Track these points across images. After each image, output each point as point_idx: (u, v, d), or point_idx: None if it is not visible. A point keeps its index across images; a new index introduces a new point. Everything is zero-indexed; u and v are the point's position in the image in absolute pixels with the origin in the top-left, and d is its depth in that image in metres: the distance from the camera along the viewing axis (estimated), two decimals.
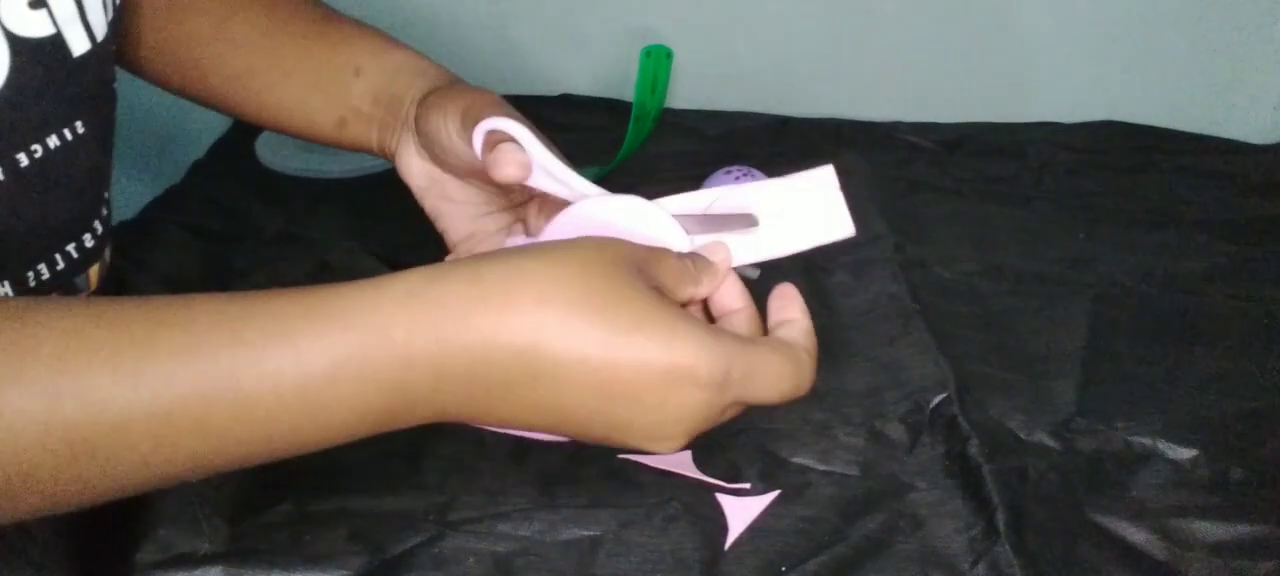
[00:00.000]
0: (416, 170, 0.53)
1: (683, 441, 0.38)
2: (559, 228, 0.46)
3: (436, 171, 0.53)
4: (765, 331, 0.42)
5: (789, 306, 0.42)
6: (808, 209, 0.47)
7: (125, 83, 0.51)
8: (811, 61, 0.92)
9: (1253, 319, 0.65)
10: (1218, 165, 0.86)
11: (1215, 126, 0.91)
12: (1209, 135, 0.91)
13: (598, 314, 0.35)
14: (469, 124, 0.48)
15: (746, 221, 0.46)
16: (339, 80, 0.54)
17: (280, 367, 0.33)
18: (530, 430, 0.38)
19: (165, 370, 0.32)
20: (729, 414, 0.39)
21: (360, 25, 0.56)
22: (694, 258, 0.42)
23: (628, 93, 0.81)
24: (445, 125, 0.49)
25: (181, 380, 0.32)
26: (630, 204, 0.44)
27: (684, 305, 0.42)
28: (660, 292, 0.38)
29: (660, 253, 0.40)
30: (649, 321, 0.35)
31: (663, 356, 0.35)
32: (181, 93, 0.57)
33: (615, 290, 0.35)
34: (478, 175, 0.51)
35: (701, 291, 0.42)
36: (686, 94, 0.90)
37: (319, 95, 0.54)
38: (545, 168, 0.45)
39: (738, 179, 0.70)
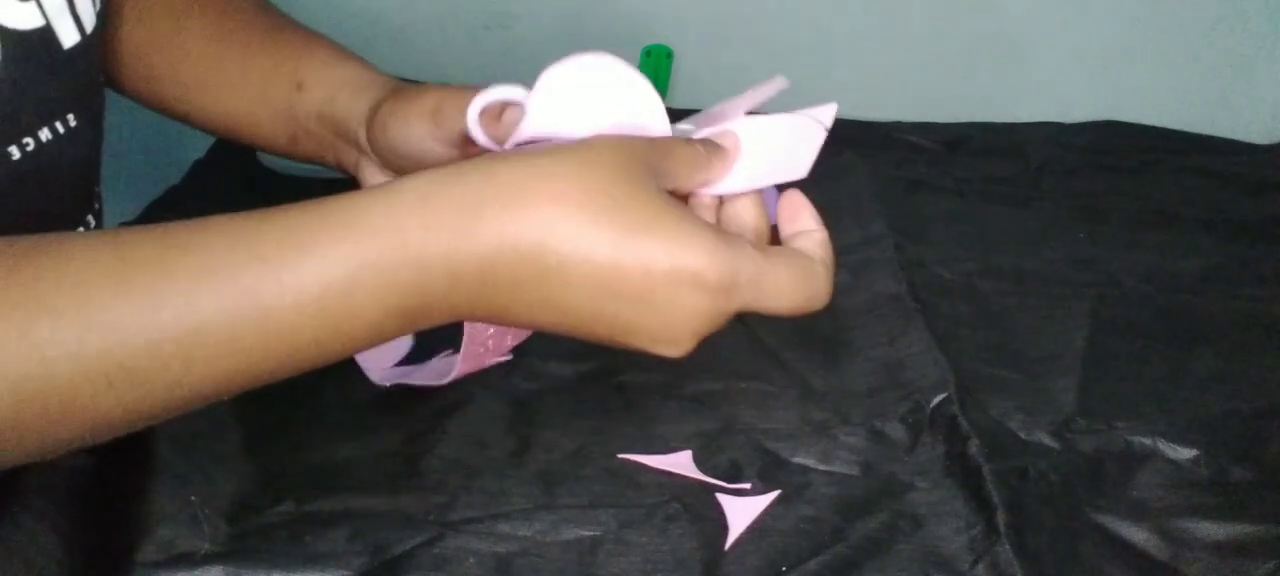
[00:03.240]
0: None
1: (689, 345, 0.37)
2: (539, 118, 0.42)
3: None
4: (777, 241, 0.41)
5: (800, 215, 0.41)
6: (787, 146, 0.44)
7: None
8: (811, 61, 0.92)
9: (1253, 319, 0.65)
10: (1218, 165, 0.86)
11: (1215, 126, 0.91)
12: (1209, 135, 0.91)
13: (606, 214, 0.34)
14: (444, 121, 0.47)
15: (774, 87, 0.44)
16: (283, 95, 0.52)
17: (299, 281, 0.33)
18: (539, 328, 0.38)
19: (187, 293, 0.32)
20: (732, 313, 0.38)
21: (309, 36, 0.54)
22: (704, 142, 0.40)
23: None
24: (411, 130, 0.48)
25: (204, 301, 0.32)
26: (603, 64, 0.41)
27: (694, 193, 0.41)
28: (672, 193, 0.37)
29: (670, 142, 0.39)
30: (658, 223, 0.35)
31: (670, 258, 0.35)
32: (140, 102, 0.55)
33: (625, 189, 0.35)
34: None
35: (713, 175, 0.40)
36: (686, 94, 0.90)
37: (265, 110, 0.53)
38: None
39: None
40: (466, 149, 0.48)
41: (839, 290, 0.65)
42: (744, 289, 0.36)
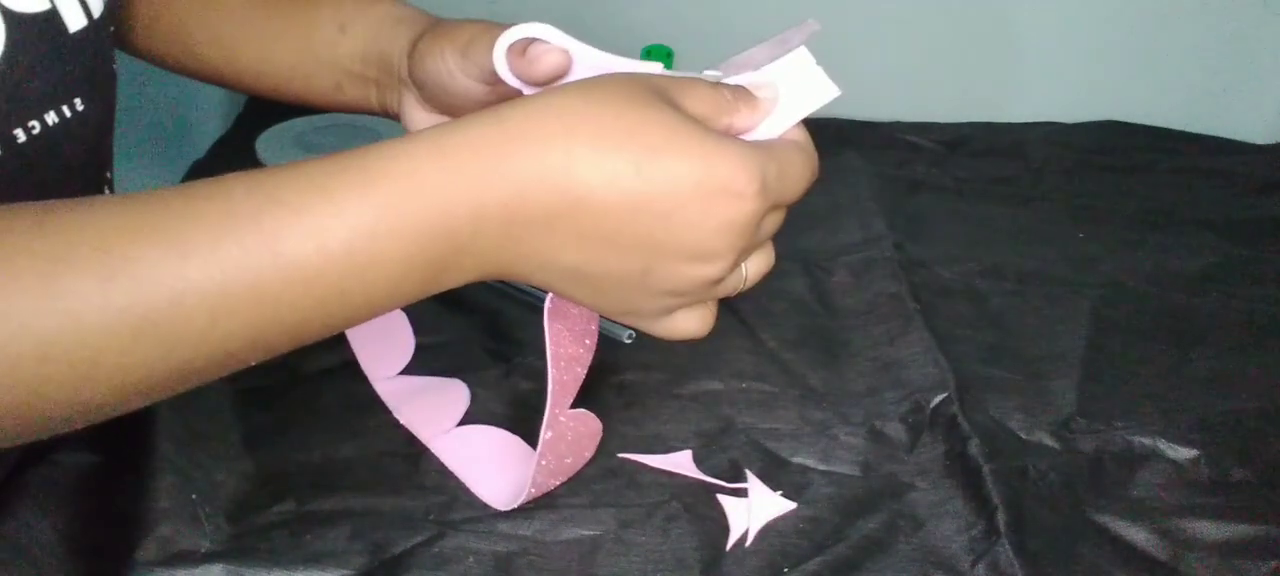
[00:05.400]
0: (422, 122, 0.54)
1: (730, 259, 0.38)
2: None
3: (443, 119, 0.53)
4: None
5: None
6: (792, 87, 0.44)
7: (125, 84, 0.51)
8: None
9: (1253, 319, 0.65)
10: (1218, 165, 0.86)
11: (1215, 126, 0.91)
12: (1209, 135, 0.91)
13: (626, 136, 0.35)
14: (475, 54, 0.48)
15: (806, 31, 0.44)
16: (326, 42, 0.54)
17: (322, 225, 0.33)
18: (567, 276, 0.37)
19: (210, 239, 0.32)
20: (769, 224, 0.39)
21: None
22: (733, 88, 0.40)
23: None
24: (444, 64, 0.49)
25: (227, 248, 0.32)
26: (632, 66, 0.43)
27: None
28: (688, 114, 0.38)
29: (687, 81, 0.39)
30: (677, 140, 0.35)
31: (696, 170, 0.35)
32: (180, 70, 0.57)
33: (641, 113, 0.36)
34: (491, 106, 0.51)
35: (738, 121, 0.40)
36: None
37: (310, 60, 0.55)
38: (584, 60, 0.44)
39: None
40: (497, 86, 0.48)
41: (839, 290, 0.66)
42: (773, 186, 0.37)
